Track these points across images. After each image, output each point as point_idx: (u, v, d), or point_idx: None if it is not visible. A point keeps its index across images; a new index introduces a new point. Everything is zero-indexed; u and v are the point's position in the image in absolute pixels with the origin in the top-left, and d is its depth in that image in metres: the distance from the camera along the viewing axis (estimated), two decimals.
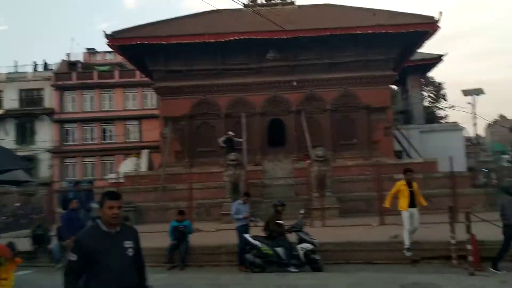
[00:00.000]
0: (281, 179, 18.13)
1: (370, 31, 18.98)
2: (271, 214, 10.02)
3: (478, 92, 30.85)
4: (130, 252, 3.48)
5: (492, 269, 8.94)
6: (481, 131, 54.14)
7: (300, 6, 23.20)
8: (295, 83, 20.55)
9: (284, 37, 19.17)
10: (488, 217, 13.42)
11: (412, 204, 9.71)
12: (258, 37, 19.35)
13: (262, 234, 9.77)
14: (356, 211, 16.08)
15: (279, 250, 9.22)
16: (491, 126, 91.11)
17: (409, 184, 9.83)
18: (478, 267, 8.97)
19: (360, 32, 19.00)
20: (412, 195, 9.75)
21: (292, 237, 9.57)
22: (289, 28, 18.88)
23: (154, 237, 11.39)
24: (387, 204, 10.00)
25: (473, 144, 45.59)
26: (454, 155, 16.91)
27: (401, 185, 9.86)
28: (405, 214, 9.70)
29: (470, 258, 8.82)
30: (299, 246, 9.26)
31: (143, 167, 26.26)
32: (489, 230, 11.10)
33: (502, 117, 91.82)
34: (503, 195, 9.52)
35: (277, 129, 20.72)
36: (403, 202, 9.72)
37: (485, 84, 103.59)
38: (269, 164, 19.46)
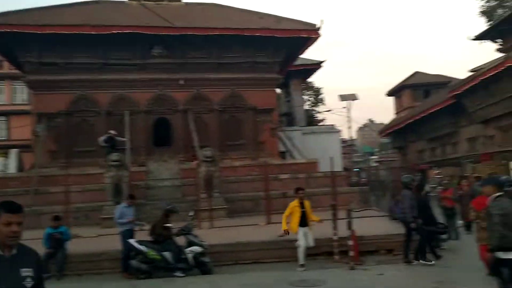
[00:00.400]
0: (166, 180, 17.55)
1: (258, 34, 19.29)
2: (159, 217, 9.54)
3: (353, 97, 33.26)
4: (28, 283, 2.67)
5: (423, 261, 9.35)
6: (354, 134, 58.64)
7: (187, 3, 22.77)
8: (182, 82, 20.08)
9: (171, 33, 18.64)
10: (363, 214, 14.46)
11: (303, 223, 9.54)
12: (143, 32, 18.54)
13: (148, 238, 9.25)
14: (244, 211, 16.18)
15: (167, 254, 8.81)
16: (362, 129, 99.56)
17: (301, 204, 9.68)
18: (358, 262, 9.50)
19: (248, 34, 19.19)
20: (303, 215, 9.59)
21: (181, 240, 9.21)
22: (176, 25, 18.41)
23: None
24: (284, 226, 9.59)
25: (347, 146, 49.05)
26: (332, 155, 17.91)
27: (294, 206, 9.65)
28: (300, 233, 9.51)
29: (351, 253, 9.31)
30: (188, 250, 8.94)
31: (12, 168, 23.79)
32: (365, 226, 11.92)
33: (371, 121, 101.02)
34: (403, 190, 9.92)
35: (163, 129, 20.06)
36: (294, 223, 9.55)
37: (358, 90, 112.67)
38: (154, 165, 18.74)
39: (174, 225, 9.25)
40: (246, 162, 19.38)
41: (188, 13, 21.02)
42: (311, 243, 9.62)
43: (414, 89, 40.37)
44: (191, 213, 9.84)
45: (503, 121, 24.83)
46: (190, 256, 8.90)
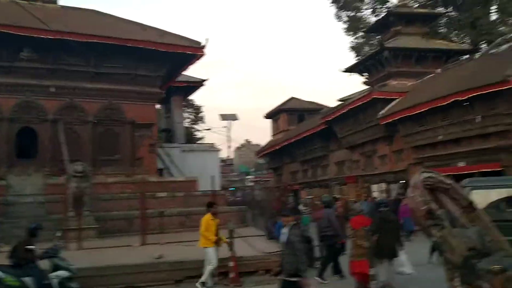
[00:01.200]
0: (29, 196, 15.81)
1: (140, 46, 18.60)
2: (22, 238, 8.40)
3: (233, 117, 33.85)
4: None
5: (319, 279, 9.50)
6: (231, 153, 59.63)
7: (63, 7, 21.19)
8: (53, 89, 18.46)
9: (44, 36, 17.07)
10: (242, 233, 14.49)
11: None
12: (11, 32, 16.70)
13: (7, 262, 8.09)
14: (117, 231, 15.19)
15: (28, 280, 7.75)
16: (239, 149, 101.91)
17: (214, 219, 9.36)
18: (238, 283, 9.41)
19: (130, 45, 18.41)
20: (218, 230, 9.33)
21: (45, 264, 8.21)
22: (51, 28, 16.96)
23: None
24: (203, 243, 9.23)
25: (225, 165, 49.55)
26: (211, 174, 17.84)
27: (209, 219, 9.30)
28: (213, 250, 9.16)
29: (231, 275, 9.19)
30: (53, 274, 7.98)
31: None
32: (244, 246, 11.92)
33: (248, 142, 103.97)
34: (324, 209, 10.36)
35: (27, 139, 18.13)
36: (211, 237, 9.18)
37: (239, 110, 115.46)
38: (15, 179, 16.77)
39: (38, 246, 8.22)
40: (121, 178, 18.35)
41: (64, 16, 19.51)
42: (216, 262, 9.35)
43: (290, 113, 42.43)
44: (58, 233, 8.88)
45: (366, 147, 27.21)
46: (55, 281, 7.95)
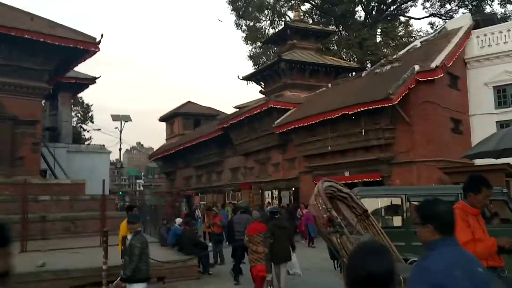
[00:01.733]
0: None
1: (26, 36, 17.04)
2: None
3: (126, 118, 32.54)
4: None
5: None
6: (122, 156, 57.26)
7: None
8: None
9: None
10: None
11: None
12: None
13: None
14: None
15: None
16: (130, 152, 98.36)
17: None
18: None
19: (15, 35, 16.77)
20: None
21: None
22: None
23: None
24: (120, 250, 8.56)
25: (115, 168, 47.41)
26: (101, 177, 16.88)
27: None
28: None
29: (121, 284, 8.72)
30: None
31: None
32: None
33: (140, 144, 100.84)
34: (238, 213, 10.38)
35: None
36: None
37: (132, 112, 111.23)
38: None
39: None
40: None
41: None
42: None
43: (186, 117, 42.02)
44: None
45: (261, 154, 27.88)
46: None
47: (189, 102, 44.20)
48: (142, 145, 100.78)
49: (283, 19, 39.15)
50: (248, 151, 28.72)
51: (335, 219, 4.95)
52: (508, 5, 33.73)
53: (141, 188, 55.60)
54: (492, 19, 25.36)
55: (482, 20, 23.84)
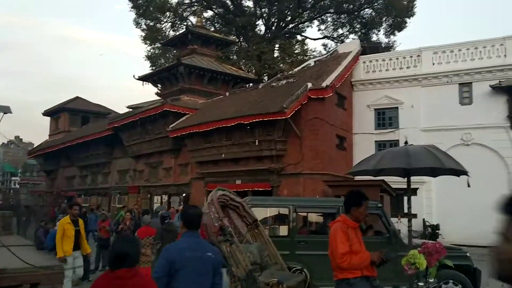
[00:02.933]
0: None
1: None
2: None
3: (6, 110, 29.61)
4: None
5: None
6: None
7: None
8: None
9: None
10: (6, 242, 12.71)
11: (76, 246, 8.07)
12: None
13: None
14: None
15: None
16: (6, 146, 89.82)
17: (74, 222, 8.09)
18: None
19: None
20: (77, 235, 8.10)
21: None
22: None
23: None
24: (59, 253, 7.81)
25: None
26: None
27: (65, 223, 8.01)
28: (70, 260, 7.92)
29: None
30: None
31: None
32: (8, 257, 10.43)
33: (19, 139, 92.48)
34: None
35: None
36: (67, 244, 7.94)
37: (12, 103, 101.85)
38: None
39: None
40: None
41: None
42: (80, 272, 8.31)
43: (73, 113, 39.54)
44: None
45: (152, 158, 27.23)
46: None
47: (78, 97, 41.70)
48: (21, 139, 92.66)
49: (185, 23, 38.91)
50: (139, 153, 27.88)
51: (226, 228, 5.01)
52: (392, 36, 37.19)
53: (17, 186, 51.09)
54: (377, 47, 27.79)
55: (369, 47, 25.99)
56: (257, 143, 20.52)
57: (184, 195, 24.45)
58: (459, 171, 5.76)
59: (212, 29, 37.93)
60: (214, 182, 20.90)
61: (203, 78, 28.42)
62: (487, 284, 10.41)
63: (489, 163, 19.51)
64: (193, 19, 38.04)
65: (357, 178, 10.74)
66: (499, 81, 19.88)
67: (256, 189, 20.19)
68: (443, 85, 21.30)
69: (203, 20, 34.60)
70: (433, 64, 21.88)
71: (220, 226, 4.94)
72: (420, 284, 4.57)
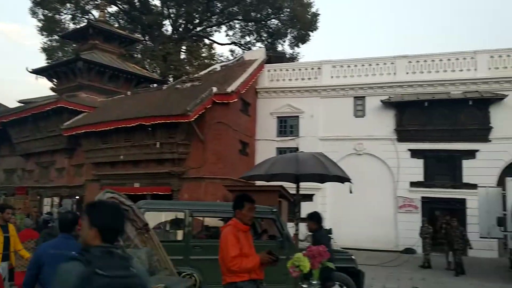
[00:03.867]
0: None
1: None
2: None
3: None
4: None
5: None
6: None
7: None
8: None
9: None
10: None
11: (5, 256, 6.77)
12: None
13: None
14: None
15: None
16: None
17: (3, 228, 6.76)
18: None
19: None
20: (6, 243, 6.77)
21: None
22: None
23: None
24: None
25: None
26: None
27: None
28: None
29: None
30: None
31: None
32: None
33: None
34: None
35: None
36: None
37: None
38: None
39: None
40: None
41: None
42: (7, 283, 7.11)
43: None
44: None
45: (44, 157, 25.39)
46: None
47: None
48: None
49: (87, 17, 36.96)
50: (29, 151, 25.87)
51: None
52: (296, 48, 38.60)
53: None
54: (282, 57, 28.69)
55: (274, 56, 26.75)
56: (158, 146, 20.04)
57: (77, 197, 23.07)
58: (343, 178, 6.08)
59: (116, 25, 36.46)
60: (110, 184, 19.97)
61: (103, 75, 27.14)
62: (371, 286, 11.15)
63: (378, 172, 21.01)
64: (96, 13, 36.23)
65: (258, 183, 10.90)
66: (389, 97, 21.51)
67: (155, 192, 19.66)
68: (340, 97, 22.53)
69: (107, 15, 33.05)
70: (332, 77, 23.09)
71: None
72: (304, 286, 4.71)
